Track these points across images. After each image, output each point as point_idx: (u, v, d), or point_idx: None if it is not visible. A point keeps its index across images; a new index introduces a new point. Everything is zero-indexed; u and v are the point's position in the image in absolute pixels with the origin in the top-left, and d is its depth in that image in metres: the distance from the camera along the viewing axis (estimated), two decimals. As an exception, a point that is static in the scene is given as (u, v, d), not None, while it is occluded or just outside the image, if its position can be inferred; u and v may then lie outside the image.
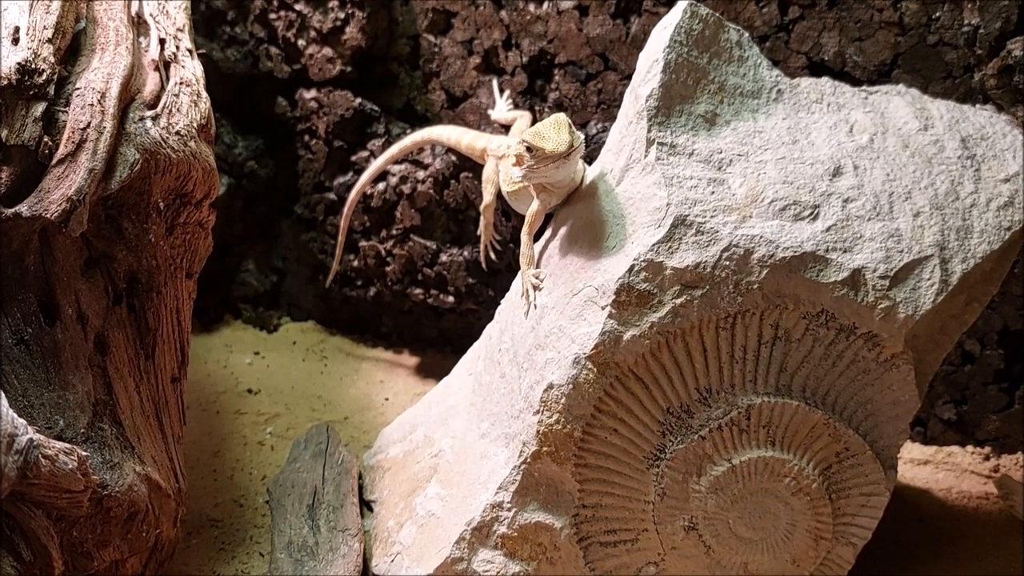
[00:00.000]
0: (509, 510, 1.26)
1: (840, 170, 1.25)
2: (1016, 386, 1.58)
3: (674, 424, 1.23)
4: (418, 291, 1.81)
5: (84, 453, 1.04)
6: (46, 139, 1.15)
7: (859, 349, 1.22)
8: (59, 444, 1.01)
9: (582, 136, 1.26)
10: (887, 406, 1.24)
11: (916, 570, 1.35)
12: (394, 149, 1.67)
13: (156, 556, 1.23)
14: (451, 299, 1.78)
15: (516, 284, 1.39)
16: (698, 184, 1.22)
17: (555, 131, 1.23)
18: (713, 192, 1.22)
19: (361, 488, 1.47)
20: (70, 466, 1.01)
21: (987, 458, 1.59)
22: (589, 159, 1.37)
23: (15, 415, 0.96)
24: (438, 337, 1.86)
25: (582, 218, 1.29)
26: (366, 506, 1.45)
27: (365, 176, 1.70)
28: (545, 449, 1.23)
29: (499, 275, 1.71)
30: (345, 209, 1.72)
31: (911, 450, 1.60)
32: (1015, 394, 1.59)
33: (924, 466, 1.57)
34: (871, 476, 1.25)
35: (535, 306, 1.29)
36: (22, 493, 0.98)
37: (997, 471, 1.56)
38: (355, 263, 1.84)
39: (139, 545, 1.18)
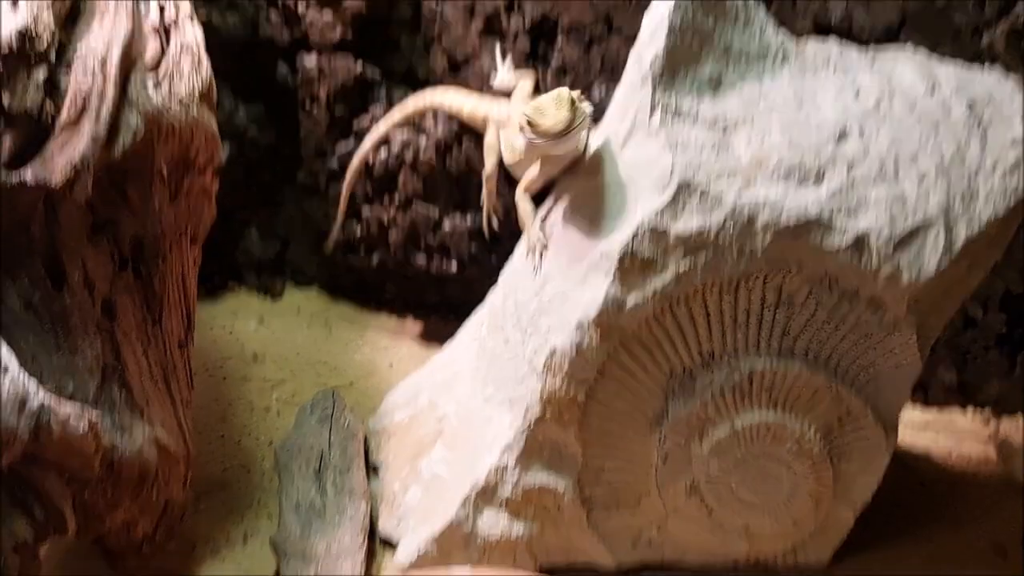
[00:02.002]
0: (513, 473, 1.27)
1: (845, 134, 1.25)
2: (1017, 350, 1.59)
3: (677, 388, 1.24)
4: (421, 258, 1.81)
5: (95, 416, 1.05)
6: (48, 105, 1.14)
7: (862, 313, 1.22)
8: (70, 406, 1.02)
9: (588, 109, 1.25)
10: (889, 370, 1.25)
11: (916, 532, 1.36)
12: (395, 115, 1.66)
13: (166, 518, 1.25)
14: (454, 266, 1.79)
15: (519, 249, 1.39)
16: (703, 148, 1.21)
17: (555, 107, 1.22)
18: (718, 156, 1.21)
19: (367, 452, 1.49)
20: (81, 429, 1.02)
21: (987, 422, 1.60)
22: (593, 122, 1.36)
23: (26, 377, 0.97)
24: (442, 303, 1.87)
25: (585, 183, 1.29)
26: (372, 469, 1.47)
27: (367, 143, 1.70)
28: (548, 413, 1.25)
29: (502, 242, 1.71)
30: (347, 175, 1.72)
31: (912, 414, 1.61)
32: (1016, 358, 1.59)
33: (925, 430, 1.58)
34: (872, 439, 1.26)
35: (540, 267, 1.29)
36: (34, 455, 0.99)
37: (997, 435, 1.57)
38: (358, 230, 1.84)
39: (149, 507, 1.19)
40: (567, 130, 1.21)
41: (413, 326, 1.85)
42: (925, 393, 1.64)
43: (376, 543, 1.37)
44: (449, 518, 1.28)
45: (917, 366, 1.25)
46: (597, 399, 1.24)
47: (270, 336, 1.81)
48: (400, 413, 1.52)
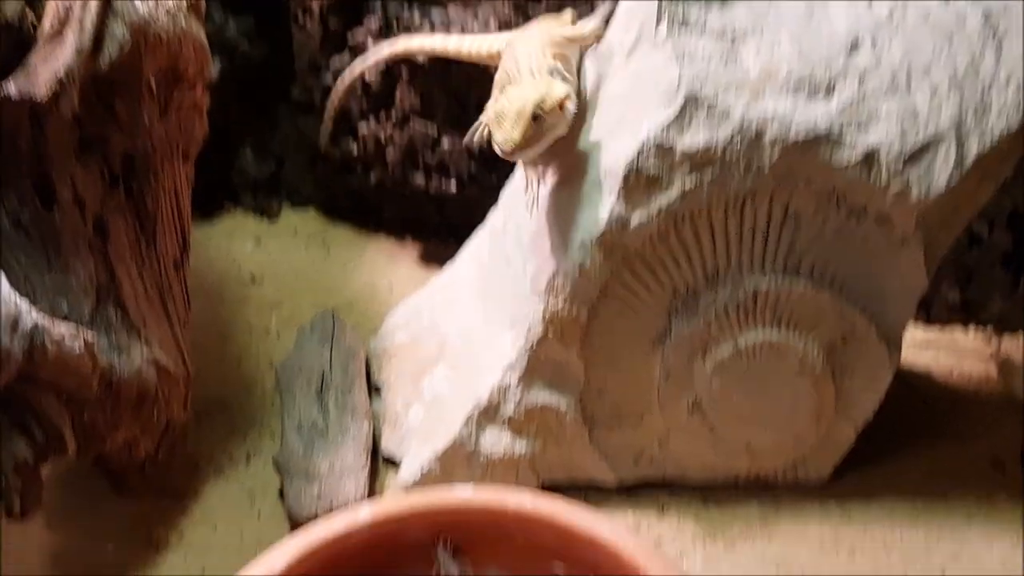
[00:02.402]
0: (515, 392, 1.27)
1: (857, 45, 1.21)
2: (1022, 268, 1.58)
3: (680, 307, 1.23)
4: (419, 178, 1.78)
5: (90, 337, 1.04)
6: (30, 16, 1.10)
7: (869, 230, 1.20)
8: (64, 327, 1.01)
9: (571, 111, 1.18)
10: (895, 287, 1.24)
11: (916, 448, 1.37)
12: (369, 60, 1.62)
13: (167, 438, 1.26)
14: (454, 186, 1.76)
15: (521, 168, 1.36)
16: (710, 59, 1.17)
17: (512, 123, 1.13)
18: (726, 68, 1.17)
19: (368, 373, 1.48)
20: (77, 349, 1.01)
21: (989, 340, 1.60)
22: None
23: (18, 297, 0.96)
24: (441, 224, 1.85)
25: (589, 99, 1.25)
26: (374, 390, 1.47)
27: (347, 79, 1.66)
28: (551, 333, 1.24)
29: (502, 161, 1.68)
30: (330, 102, 1.69)
31: (913, 332, 1.60)
32: (1021, 276, 1.58)
33: (926, 348, 1.58)
34: (875, 357, 1.26)
35: (537, 201, 1.26)
36: (30, 375, 0.98)
37: (999, 353, 1.57)
38: (354, 149, 1.80)
39: (150, 427, 1.20)
40: (513, 151, 1.14)
41: (412, 248, 1.83)
42: (927, 311, 1.63)
43: (379, 462, 1.38)
44: (452, 437, 1.29)
45: (923, 283, 1.24)
46: (600, 319, 1.23)
47: (267, 258, 1.79)
48: (401, 334, 1.51)
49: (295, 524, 1.25)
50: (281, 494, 1.31)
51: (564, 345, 1.24)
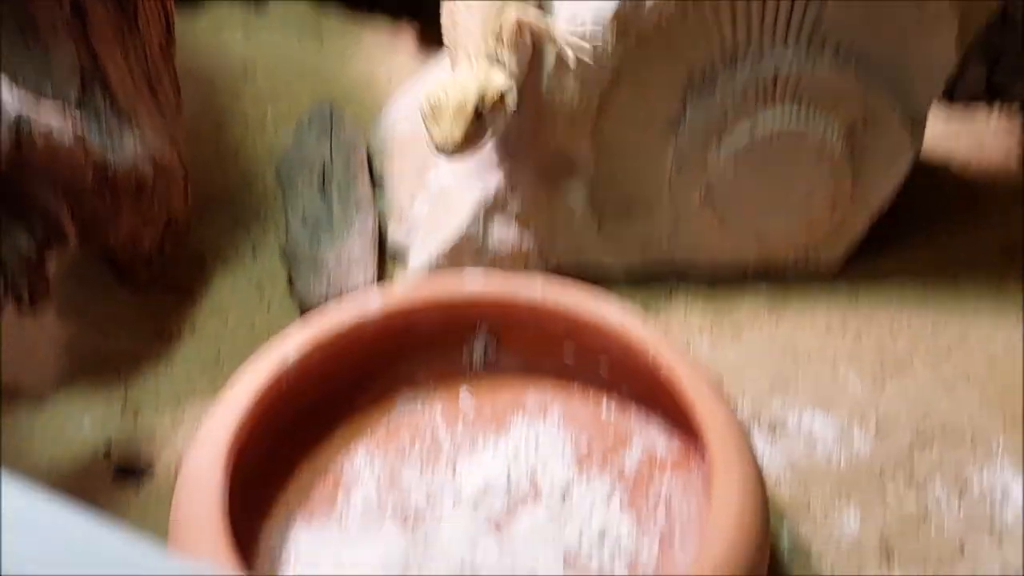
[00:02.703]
0: (524, 183, 1.24)
1: None
2: (1055, 48, 1.50)
3: (695, 91, 1.18)
4: (416, -47, 1.65)
5: (80, 129, 0.99)
6: None
7: (901, 4, 1.13)
8: (53, 118, 0.96)
9: (512, 99, 1.07)
10: (922, 66, 1.18)
11: (930, 236, 1.36)
12: None
13: (171, 231, 1.24)
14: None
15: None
16: None
17: (452, 120, 1.03)
18: None
19: (370, 166, 1.44)
20: (67, 140, 0.96)
21: (1011, 121, 1.54)
22: None
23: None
24: (439, 1, 1.74)
25: None
26: (377, 183, 1.44)
27: None
28: (560, 120, 1.19)
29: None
30: None
31: (934, 117, 1.54)
32: (1052, 57, 1.50)
33: (944, 132, 1.53)
34: (896, 141, 1.22)
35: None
36: (21, 163, 0.95)
37: (1021, 137, 1.52)
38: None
39: (152, 219, 1.18)
40: (456, 151, 1.04)
41: (409, 31, 1.74)
42: (951, 94, 1.57)
43: (385, 255, 1.37)
44: (460, 230, 1.27)
45: (952, 60, 1.18)
46: (611, 106, 1.18)
47: (258, 49, 1.70)
48: (402, 126, 1.46)
49: (305, 314, 1.25)
50: (290, 284, 1.31)
51: (574, 135, 1.20)
